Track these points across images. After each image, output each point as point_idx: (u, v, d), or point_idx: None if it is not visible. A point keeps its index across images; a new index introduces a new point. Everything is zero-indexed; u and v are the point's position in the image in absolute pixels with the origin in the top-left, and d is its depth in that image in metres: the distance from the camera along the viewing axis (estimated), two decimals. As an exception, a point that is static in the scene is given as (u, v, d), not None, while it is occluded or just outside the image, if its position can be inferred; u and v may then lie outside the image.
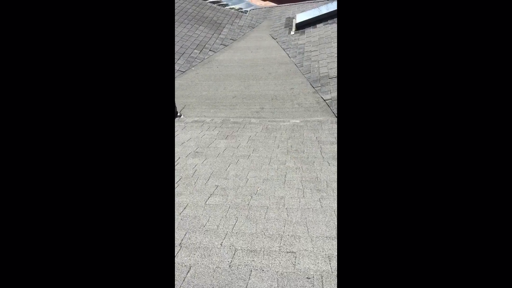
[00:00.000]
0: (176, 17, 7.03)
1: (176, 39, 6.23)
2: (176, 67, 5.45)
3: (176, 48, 5.95)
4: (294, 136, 3.09)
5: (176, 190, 2.04)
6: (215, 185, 2.09)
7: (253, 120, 3.74)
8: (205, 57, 6.05)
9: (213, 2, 8.80)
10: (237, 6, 19.92)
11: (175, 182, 2.15)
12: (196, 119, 3.78)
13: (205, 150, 2.75)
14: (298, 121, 3.65)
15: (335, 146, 2.74)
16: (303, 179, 2.14)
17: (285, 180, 2.13)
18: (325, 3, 8.01)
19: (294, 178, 2.16)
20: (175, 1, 7.71)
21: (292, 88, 4.64)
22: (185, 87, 4.86)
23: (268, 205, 1.84)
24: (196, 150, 2.75)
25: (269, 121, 3.69)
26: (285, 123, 3.54)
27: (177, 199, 1.92)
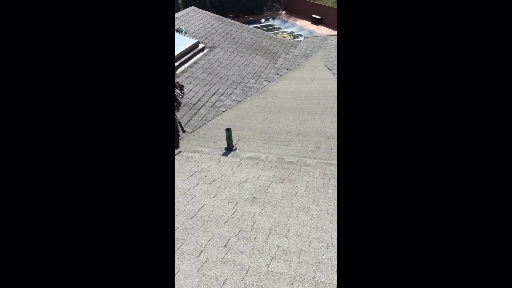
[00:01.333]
0: (235, 46, 7.32)
1: (234, 68, 6.45)
2: (233, 96, 5.59)
3: (233, 77, 6.15)
4: (355, 187, 2.90)
5: (236, 245, 1.99)
6: (276, 245, 1.99)
7: (308, 161, 3.62)
8: (260, 87, 6.14)
9: (265, 26, 9.02)
10: (289, 30, 20.18)
11: (235, 234, 2.10)
12: (251, 154, 3.78)
13: (262, 196, 2.69)
14: (357, 167, 3.45)
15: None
16: (373, 250, 1.95)
17: (352, 248, 1.96)
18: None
19: (362, 247, 1.98)
20: (236, 30, 8.06)
21: (350, 127, 4.45)
22: (241, 118, 4.94)
23: (334, 281, 1.69)
24: (253, 195, 2.70)
25: (326, 163, 3.54)
26: (344, 169, 3.36)
27: (238, 258, 1.86)
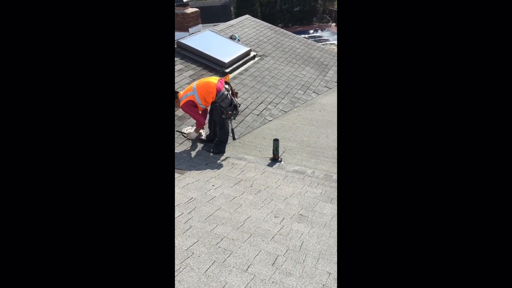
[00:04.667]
0: (285, 56, 7.31)
1: (283, 78, 6.43)
2: (280, 106, 5.55)
3: (282, 87, 6.11)
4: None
5: (284, 265, 1.90)
6: (327, 272, 1.86)
7: (358, 182, 3.42)
8: (308, 99, 6.03)
9: (313, 37, 8.89)
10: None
11: (283, 253, 2.01)
12: (296, 168, 3.67)
13: (310, 215, 2.57)
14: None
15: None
16: None
17: None
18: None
19: None
20: (287, 40, 8.06)
21: (404, 150, 4.16)
22: (287, 129, 4.87)
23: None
24: (301, 213, 2.60)
25: (377, 187, 3.32)
26: (397, 195, 3.12)
27: (287, 280, 1.77)
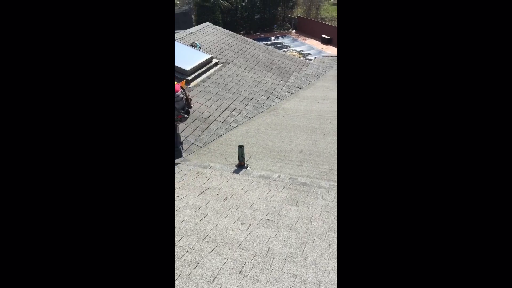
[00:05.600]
0: (247, 63, 7.39)
1: (246, 84, 6.48)
2: (244, 112, 5.58)
3: (245, 93, 6.16)
4: (372, 213, 2.80)
5: (251, 272, 1.89)
6: (294, 275, 1.89)
7: (322, 183, 3.54)
8: (272, 104, 6.14)
9: (275, 44, 9.15)
10: (298, 48, 20.50)
11: (250, 260, 2.01)
12: (262, 173, 3.70)
13: (276, 219, 2.60)
14: (372, 191, 3.35)
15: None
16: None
17: (375, 283, 1.85)
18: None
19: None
20: (249, 47, 8.17)
21: (363, 150, 4.39)
22: (252, 135, 4.90)
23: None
24: (267, 217, 2.61)
25: (339, 186, 3.45)
26: (358, 193, 3.27)
27: (253, 287, 1.76)
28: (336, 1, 30.88)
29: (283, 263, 2.00)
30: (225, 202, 2.86)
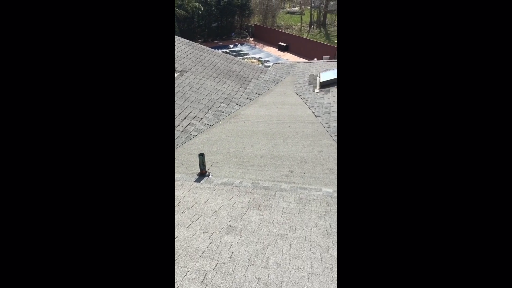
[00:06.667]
0: (205, 71, 7.36)
1: (205, 92, 6.45)
2: (205, 120, 5.54)
3: (205, 101, 6.13)
4: (330, 211, 2.93)
5: (214, 280, 1.88)
6: (256, 278, 1.91)
7: (283, 185, 3.63)
8: (232, 111, 6.17)
9: (234, 51, 9.28)
10: (257, 56, 20.86)
11: (212, 268, 1.99)
12: (225, 180, 3.70)
13: (238, 224, 2.61)
14: (331, 190, 3.51)
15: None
16: (353, 276, 1.95)
17: (333, 276, 1.94)
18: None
19: (342, 274, 1.97)
20: (206, 55, 8.15)
21: (321, 151, 4.58)
22: (213, 143, 4.88)
23: (318, 313, 1.64)
24: (230, 224, 2.62)
25: (300, 188, 3.56)
26: (318, 193, 3.40)
27: (216, 295, 1.75)
28: (290, 10, 32.09)
29: (246, 268, 2.01)
30: (186, 212, 2.81)
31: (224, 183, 3.59)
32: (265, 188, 3.50)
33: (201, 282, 1.86)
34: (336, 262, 2.09)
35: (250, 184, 3.61)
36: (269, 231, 2.51)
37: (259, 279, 1.90)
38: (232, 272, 1.96)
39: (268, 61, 16.81)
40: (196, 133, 5.14)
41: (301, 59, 14.84)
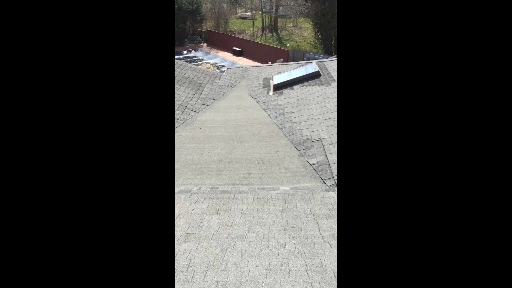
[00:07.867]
0: (157, 78, 7.18)
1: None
2: (159, 129, 5.40)
3: (158, 109, 5.97)
4: (287, 208, 3.04)
5: (172, 289, 1.84)
6: (215, 281, 1.92)
7: (242, 188, 3.67)
8: (188, 118, 6.08)
9: (188, 58, 9.18)
10: (212, 61, 20.83)
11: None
12: (182, 188, 3.64)
13: (197, 231, 2.59)
14: (287, 188, 3.63)
15: (331, 221, 2.71)
16: (308, 267, 2.04)
17: (289, 270, 2.02)
18: (295, 68, 8.64)
19: (299, 266, 2.06)
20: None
21: (277, 151, 4.71)
22: (169, 151, 4.77)
23: (276, 306, 1.70)
24: (188, 231, 2.58)
25: (258, 188, 3.63)
26: (275, 191, 3.50)
27: (174, 304, 1.72)
28: (242, 15, 32.52)
29: (205, 273, 2.01)
30: (142, 224, 2.72)
31: (181, 191, 3.53)
32: (224, 192, 3.51)
33: (159, 294, 1.81)
34: (296, 256, 2.17)
35: (208, 189, 3.59)
36: (228, 234, 2.53)
37: (218, 282, 1.91)
38: (190, 278, 1.95)
39: (224, 66, 16.84)
40: (151, 143, 4.99)
41: (256, 63, 15.15)
